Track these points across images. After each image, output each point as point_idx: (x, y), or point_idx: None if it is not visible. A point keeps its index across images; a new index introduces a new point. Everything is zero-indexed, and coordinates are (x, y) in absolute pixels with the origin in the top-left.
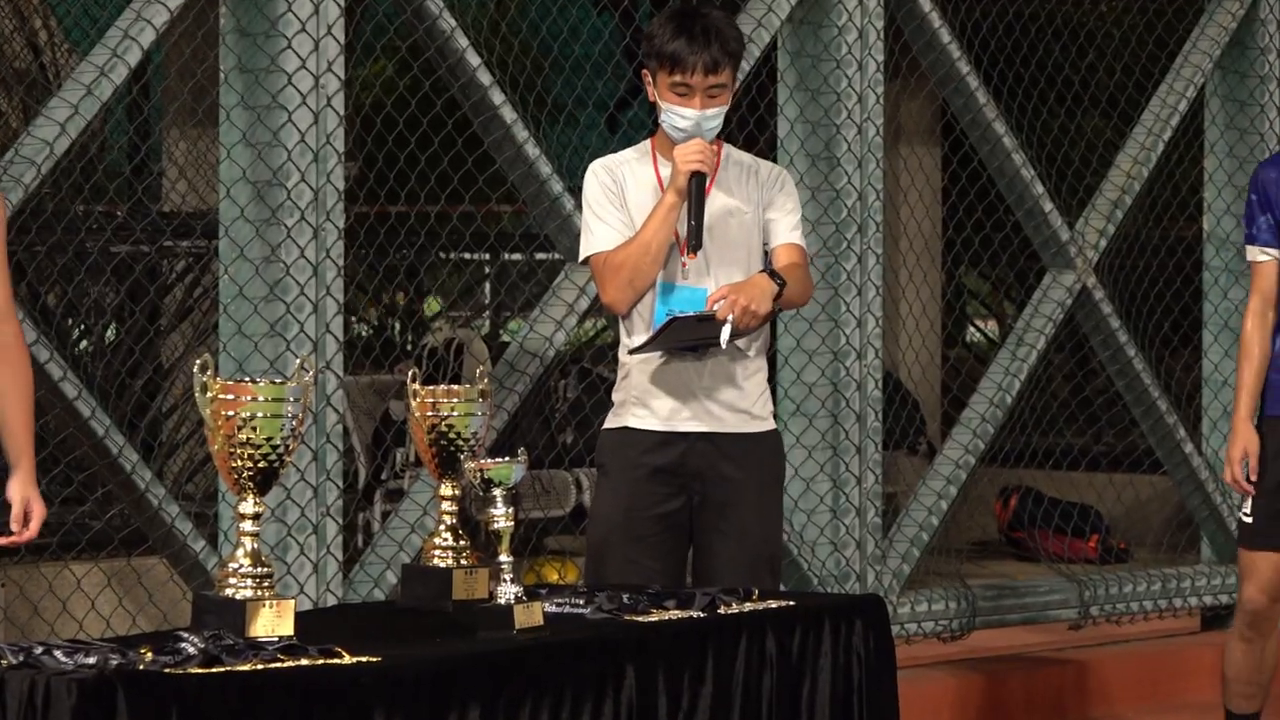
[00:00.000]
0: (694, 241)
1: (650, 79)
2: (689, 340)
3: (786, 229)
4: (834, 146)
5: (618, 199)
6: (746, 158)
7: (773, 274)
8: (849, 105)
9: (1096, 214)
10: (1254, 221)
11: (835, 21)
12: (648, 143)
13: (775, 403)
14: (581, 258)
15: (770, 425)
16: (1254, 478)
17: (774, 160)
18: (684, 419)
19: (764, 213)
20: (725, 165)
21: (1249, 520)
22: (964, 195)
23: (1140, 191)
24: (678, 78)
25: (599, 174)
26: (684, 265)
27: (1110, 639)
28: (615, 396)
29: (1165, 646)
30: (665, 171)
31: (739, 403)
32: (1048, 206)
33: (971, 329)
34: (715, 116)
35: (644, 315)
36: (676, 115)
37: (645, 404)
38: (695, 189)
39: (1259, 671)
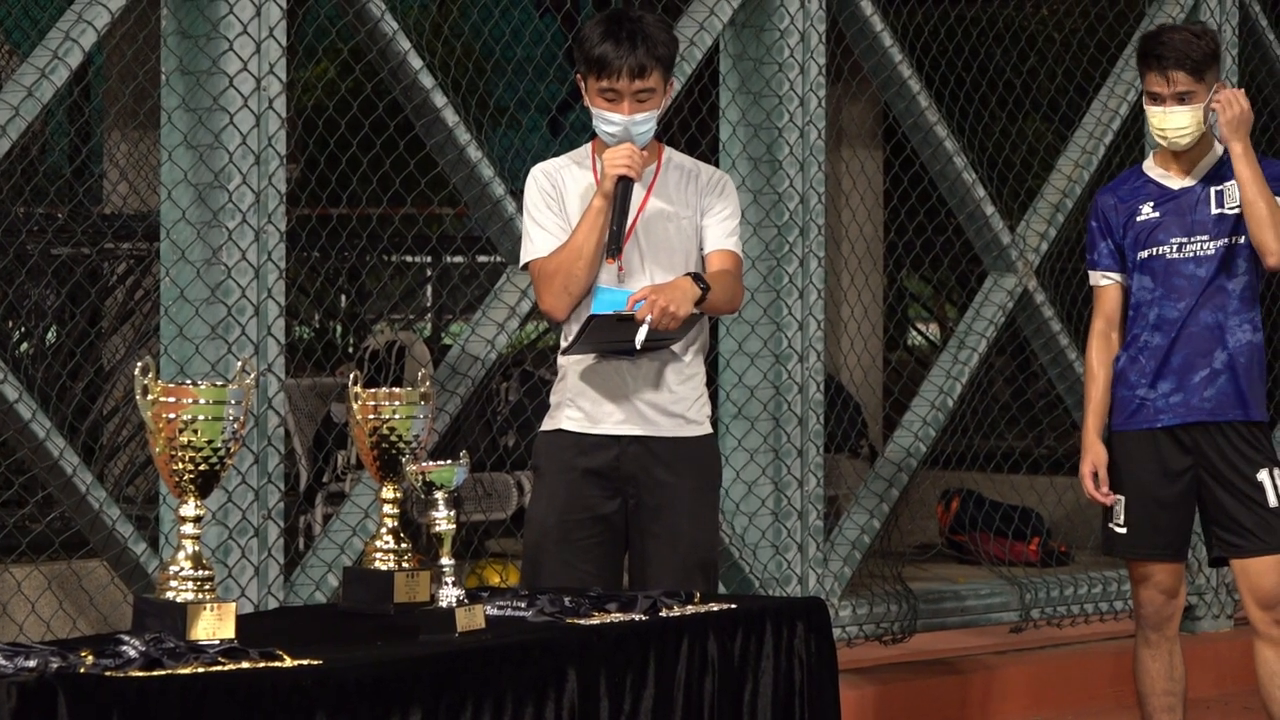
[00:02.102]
0: (613, 247)
1: (583, 84)
2: (610, 340)
3: (722, 235)
4: (776, 150)
5: (557, 204)
6: (688, 161)
7: (697, 277)
8: (791, 108)
9: (1038, 217)
10: (1095, 247)
11: (777, 25)
12: (588, 146)
13: (716, 406)
14: (521, 264)
15: (706, 430)
16: (1105, 488)
17: (715, 164)
18: (616, 421)
19: (701, 219)
20: (665, 169)
21: (1123, 531)
22: (905, 198)
23: (1081, 195)
24: (605, 83)
25: (538, 179)
26: (620, 270)
27: (1051, 642)
28: (552, 399)
29: (1106, 649)
30: (600, 176)
31: (672, 406)
32: (989, 210)
33: (913, 332)
34: (645, 121)
35: (581, 319)
36: (606, 120)
37: (578, 406)
38: (621, 194)
39: (1171, 680)
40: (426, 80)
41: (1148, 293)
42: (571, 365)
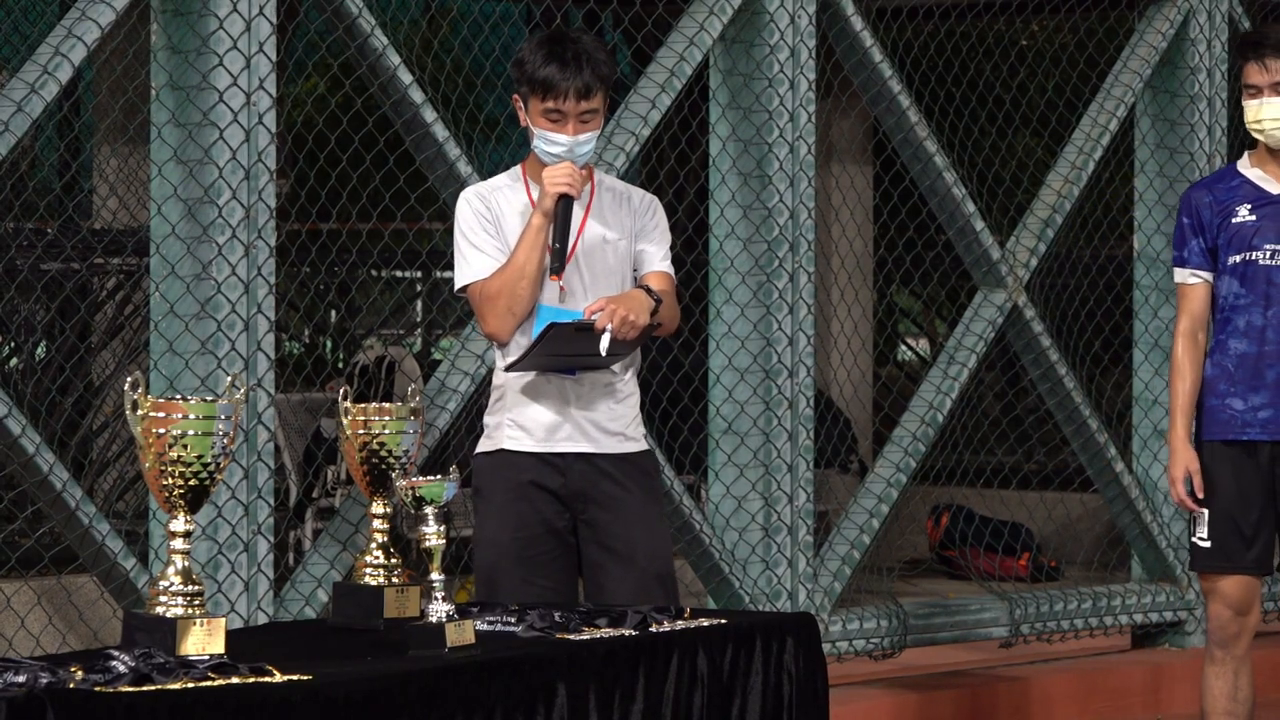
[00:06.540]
0: (556, 264)
1: (521, 104)
2: (567, 352)
3: (658, 258)
4: (766, 165)
5: (493, 226)
6: (619, 185)
7: (648, 290)
8: (781, 124)
9: (1027, 233)
10: (1185, 244)
11: (767, 40)
12: (519, 168)
13: (707, 420)
14: (458, 287)
15: (644, 446)
16: (1200, 495)
17: (706, 179)
18: (560, 440)
19: (635, 242)
20: (599, 192)
21: (1206, 545)
22: (895, 214)
23: (1071, 210)
24: (550, 104)
25: (471, 201)
26: (562, 290)
27: (1041, 657)
28: (488, 420)
29: (1096, 665)
30: (538, 195)
31: (611, 424)
32: (979, 225)
33: (903, 347)
34: (587, 142)
35: (520, 342)
36: (549, 141)
37: (521, 426)
38: (562, 211)
39: (1234, 700)
40: (416, 95)
41: (1238, 298)
42: (510, 384)
